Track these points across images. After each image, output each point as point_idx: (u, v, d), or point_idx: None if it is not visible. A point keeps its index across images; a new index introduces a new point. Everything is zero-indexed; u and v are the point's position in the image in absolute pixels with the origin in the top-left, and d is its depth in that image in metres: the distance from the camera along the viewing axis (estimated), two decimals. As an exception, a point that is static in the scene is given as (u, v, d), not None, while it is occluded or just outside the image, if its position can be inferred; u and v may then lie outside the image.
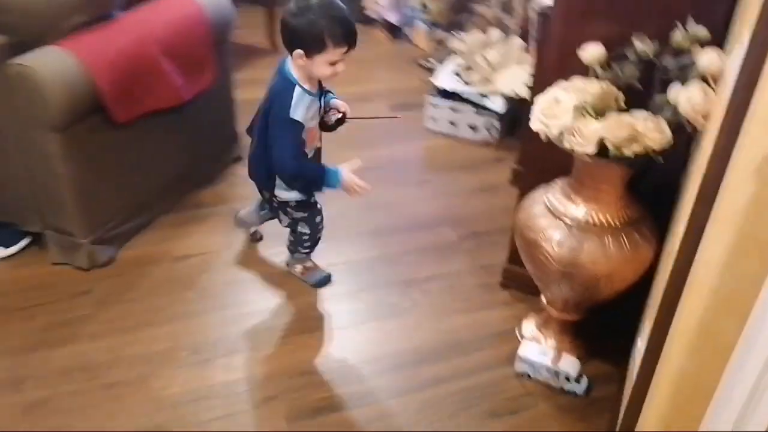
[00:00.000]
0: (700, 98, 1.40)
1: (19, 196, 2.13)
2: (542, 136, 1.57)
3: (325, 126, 1.94)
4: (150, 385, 1.78)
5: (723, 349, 1.18)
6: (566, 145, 1.52)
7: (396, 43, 4.02)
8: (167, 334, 1.94)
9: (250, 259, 2.25)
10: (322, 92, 1.88)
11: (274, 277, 2.17)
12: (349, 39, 1.71)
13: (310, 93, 1.80)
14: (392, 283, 2.17)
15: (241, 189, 2.60)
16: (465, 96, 2.95)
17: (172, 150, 2.41)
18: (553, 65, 1.73)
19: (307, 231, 2.03)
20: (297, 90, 1.77)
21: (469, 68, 3.05)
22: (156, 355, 1.87)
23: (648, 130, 1.46)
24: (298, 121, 1.77)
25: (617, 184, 1.61)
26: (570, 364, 1.80)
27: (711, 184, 1.08)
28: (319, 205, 2.04)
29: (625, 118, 1.49)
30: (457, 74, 3.05)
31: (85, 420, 1.68)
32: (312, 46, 1.69)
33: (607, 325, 1.87)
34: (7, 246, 2.21)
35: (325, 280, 2.13)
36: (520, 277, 2.08)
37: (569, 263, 1.64)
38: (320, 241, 2.10)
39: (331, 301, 2.10)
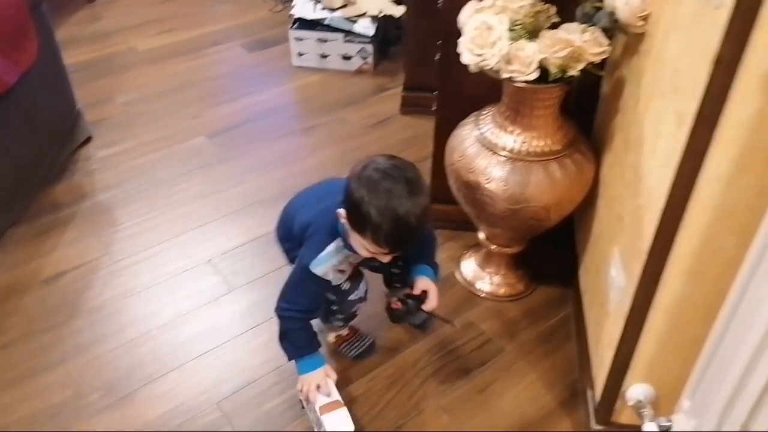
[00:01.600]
0: (638, 0, 1.27)
1: None
2: (472, 69, 1.37)
3: (392, 314, 1.51)
4: (64, 446, 1.47)
5: (724, 269, 1.10)
6: (504, 75, 1.34)
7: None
8: (65, 377, 1.60)
9: (139, 261, 1.91)
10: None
11: (174, 278, 1.85)
12: (390, 244, 1.24)
13: (350, 249, 1.35)
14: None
15: (101, 176, 2.22)
16: (330, 24, 2.67)
17: (7, 146, 1.95)
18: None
19: (334, 298, 1.52)
20: (334, 245, 1.36)
21: (328, -8, 2.74)
22: (61, 408, 1.54)
23: (588, 45, 1.32)
24: (316, 276, 1.37)
25: (554, 105, 1.47)
26: (336, 422, 1.40)
27: (714, 100, 0.95)
28: (346, 288, 1.50)
29: (560, 34, 1.33)
30: (316, 0, 2.74)
31: None
32: (354, 219, 1.26)
33: (543, 248, 1.79)
34: None
35: (367, 351, 1.66)
36: (446, 215, 1.94)
37: (517, 200, 1.50)
38: (356, 314, 1.61)
39: (241, 291, 1.83)
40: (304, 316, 1.41)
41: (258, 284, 1.84)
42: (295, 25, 2.71)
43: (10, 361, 1.64)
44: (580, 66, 1.32)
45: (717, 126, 0.97)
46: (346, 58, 2.71)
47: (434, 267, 1.51)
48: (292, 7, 2.77)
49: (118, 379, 1.59)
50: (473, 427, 1.50)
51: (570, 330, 1.72)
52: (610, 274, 1.38)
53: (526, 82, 1.34)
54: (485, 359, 1.65)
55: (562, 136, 1.52)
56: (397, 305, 1.45)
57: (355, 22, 2.66)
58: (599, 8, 1.36)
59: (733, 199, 1.03)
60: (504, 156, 1.50)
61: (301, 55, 2.75)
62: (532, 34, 1.34)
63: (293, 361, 1.46)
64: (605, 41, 1.33)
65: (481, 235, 1.77)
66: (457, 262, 1.89)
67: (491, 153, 1.51)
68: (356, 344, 1.66)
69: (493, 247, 1.76)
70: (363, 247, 1.28)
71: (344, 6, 2.70)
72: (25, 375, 1.60)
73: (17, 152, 2.00)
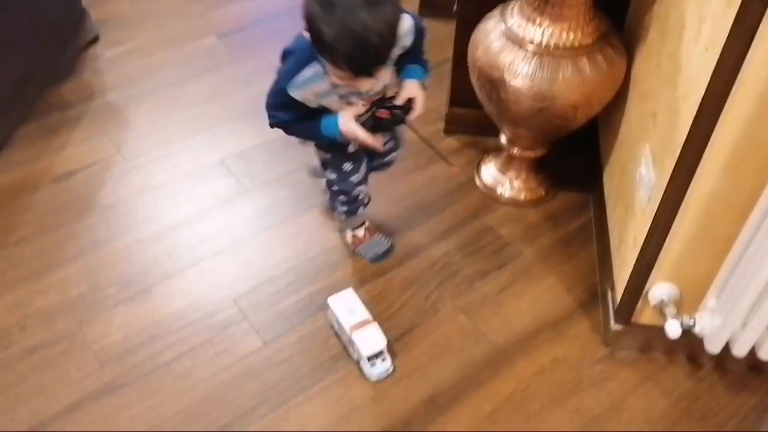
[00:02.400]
0: None
1: None
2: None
3: (379, 123, 1.29)
4: (81, 338, 1.47)
5: (765, 163, 1.06)
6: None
7: None
8: (81, 272, 1.60)
9: (152, 160, 1.87)
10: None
11: (187, 179, 1.82)
12: (351, 66, 1.11)
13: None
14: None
15: (110, 75, 2.15)
16: None
17: (10, 44, 1.88)
18: None
19: (334, 178, 1.48)
20: (312, 70, 1.21)
21: None
22: (77, 301, 1.54)
23: None
24: (289, 98, 1.24)
25: (585, -7, 1.38)
26: (369, 339, 1.39)
27: None
28: (349, 171, 1.46)
29: None
30: None
31: (15, 400, 1.36)
32: (312, 40, 1.13)
33: (564, 151, 1.74)
34: None
35: (385, 254, 1.62)
36: (465, 119, 1.89)
37: (544, 97, 1.44)
38: (362, 203, 1.57)
39: (255, 193, 1.80)
40: (291, 124, 1.31)
41: (272, 186, 1.81)
42: None
43: (24, 256, 1.63)
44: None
45: (772, 2, 0.90)
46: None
47: (423, 64, 1.33)
48: None
49: (135, 274, 1.59)
50: (490, 327, 1.50)
51: (591, 234, 1.69)
52: (640, 173, 1.34)
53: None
54: (503, 262, 1.64)
55: (593, 29, 1.44)
56: (383, 113, 1.28)
57: None
58: None
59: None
60: (531, 50, 1.43)
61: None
62: None
63: (322, 132, 1.29)
64: None
65: (503, 138, 1.72)
66: (476, 167, 1.84)
67: (517, 47, 1.44)
68: (374, 246, 1.63)
69: (515, 150, 1.71)
70: (331, 72, 1.17)
71: None
72: (40, 269, 1.60)
73: (21, 48, 1.93)
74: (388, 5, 1.08)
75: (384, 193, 1.77)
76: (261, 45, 2.26)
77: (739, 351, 1.23)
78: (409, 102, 1.29)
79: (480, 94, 1.57)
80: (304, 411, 1.36)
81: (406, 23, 1.21)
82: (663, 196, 1.19)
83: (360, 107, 1.27)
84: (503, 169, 1.79)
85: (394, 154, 1.57)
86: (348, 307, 1.43)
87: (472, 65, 1.55)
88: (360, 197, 1.55)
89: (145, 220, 1.72)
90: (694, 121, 1.06)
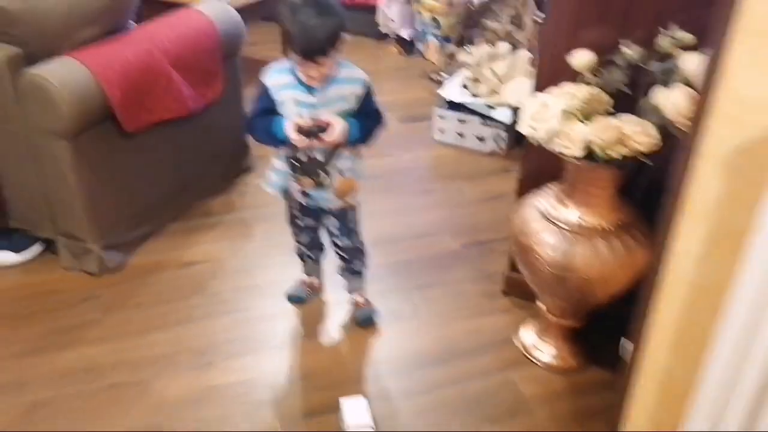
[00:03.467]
0: (684, 101, 1.42)
1: (31, 202, 2.21)
2: (532, 140, 1.58)
3: (299, 129, 1.67)
4: (151, 386, 1.82)
5: (702, 343, 1.18)
6: (554, 148, 1.54)
7: (409, 58, 4.07)
8: (171, 338, 1.98)
9: (258, 267, 2.29)
10: (312, 90, 1.69)
11: (283, 284, 2.19)
12: (306, 51, 1.58)
13: (296, 75, 1.68)
14: (394, 289, 2.19)
15: (251, 198, 2.66)
16: (472, 107, 2.98)
17: (181, 159, 2.47)
18: (547, 72, 1.75)
19: (292, 211, 1.96)
20: (286, 64, 1.70)
21: (476, 80, 3.08)
22: (159, 358, 1.91)
23: (635, 133, 1.48)
24: (263, 85, 1.73)
25: (608, 187, 1.62)
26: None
27: (679, 177, 1.09)
28: (297, 215, 1.94)
29: (612, 121, 1.50)
30: (465, 86, 3.08)
31: (86, 421, 1.72)
32: (283, 35, 1.66)
33: (606, 331, 1.87)
34: (18, 251, 2.27)
35: (292, 298, 2.12)
36: (521, 284, 2.08)
37: (563, 267, 1.65)
38: (304, 256, 2.07)
39: (336, 307, 2.12)
40: (257, 118, 1.75)
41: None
42: (442, 105, 3.06)
43: (137, 316, 2.06)
44: (624, 150, 1.48)
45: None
46: (480, 139, 2.99)
47: (361, 127, 1.73)
48: (443, 88, 3.13)
49: (208, 348, 1.95)
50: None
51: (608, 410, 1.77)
52: (625, 347, 1.47)
53: (575, 157, 1.52)
54: (514, 414, 1.76)
55: (616, 217, 1.65)
56: (306, 123, 1.66)
57: (494, 108, 2.95)
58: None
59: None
60: (556, 225, 1.67)
61: (441, 131, 3.08)
62: (588, 118, 1.53)
63: (273, 128, 1.71)
64: (654, 133, 1.48)
65: (542, 305, 1.91)
66: (516, 327, 2.03)
67: (546, 220, 1.69)
68: (296, 289, 2.12)
69: (551, 317, 1.89)
70: (293, 59, 1.63)
71: (489, 94, 3.01)
72: (144, 329, 2.01)
73: (189, 164, 2.51)
74: (334, 18, 1.58)
75: (427, 330, 2.01)
76: (377, 192, 2.68)
77: None
78: (328, 126, 1.67)
79: (516, 257, 1.81)
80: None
81: (362, 74, 1.75)
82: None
83: (300, 119, 1.67)
84: (540, 334, 1.96)
85: (347, 242, 1.97)
86: (356, 411, 1.65)
87: (511, 230, 1.81)
88: (303, 252, 2.06)
89: (233, 310, 2.09)
90: (638, 309, 1.24)
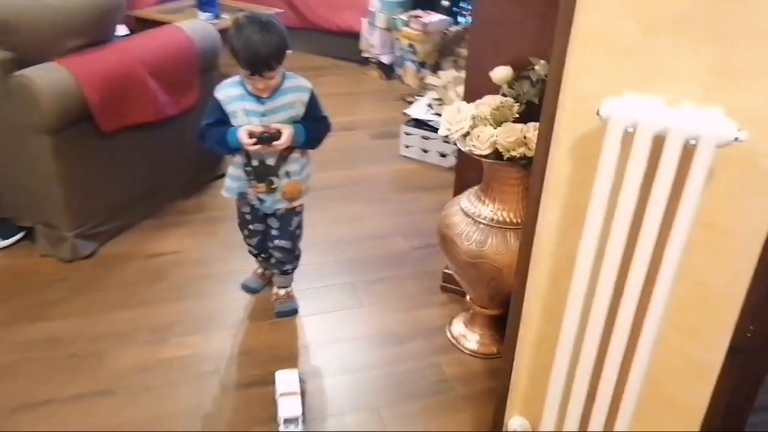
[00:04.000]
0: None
1: (15, 193, 2.42)
2: (450, 141, 1.79)
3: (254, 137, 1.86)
4: (106, 357, 2.00)
5: (564, 306, 1.36)
6: (466, 148, 1.74)
7: (388, 82, 4.31)
8: (130, 317, 2.17)
9: (218, 259, 2.48)
10: (261, 99, 1.88)
11: (239, 275, 2.37)
12: (252, 67, 1.77)
13: (245, 87, 1.88)
14: (342, 283, 2.38)
15: (221, 201, 2.82)
16: (434, 125, 3.19)
17: (157, 161, 2.69)
18: (474, 86, 1.96)
19: (242, 217, 2.18)
20: (235, 78, 1.90)
21: (441, 101, 3.29)
22: (117, 334, 2.09)
23: (535, 136, 1.67)
24: (215, 99, 1.91)
25: (518, 185, 1.81)
26: (290, 406, 1.77)
27: (540, 161, 1.29)
28: (248, 219, 2.14)
29: (517, 126, 1.70)
30: (430, 106, 3.30)
31: (43, 384, 1.89)
32: (231, 54, 1.83)
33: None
34: (4, 238, 2.48)
35: (245, 288, 2.31)
36: (457, 282, 2.27)
37: (476, 255, 1.83)
38: (257, 256, 2.29)
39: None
40: (209, 128, 1.93)
41: (306, 293, 2.30)
42: (409, 123, 3.27)
43: (102, 298, 2.25)
44: (525, 151, 1.67)
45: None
46: (443, 155, 3.20)
47: (307, 130, 1.93)
48: (411, 108, 3.35)
49: (163, 327, 2.13)
50: (396, 432, 1.78)
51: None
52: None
53: (483, 156, 1.72)
54: (436, 392, 1.93)
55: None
56: (257, 130, 1.85)
57: (454, 127, 3.16)
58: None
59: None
60: (473, 219, 1.86)
61: (407, 147, 3.29)
62: (498, 123, 1.73)
63: (227, 138, 1.89)
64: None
65: (468, 297, 2.09)
66: (449, 321, 2.20)
67: (465, 216, 1.88)
68: (250, 281, 2.31)
69: (476, 307, 2.06)
70: (242, 74, 1.82)
71: (451, 114, 3.22)
72: (106, 308, 2.20)
73: (165, 166, 2.72)
74: (276, 36, 1.78)
75: (368, 319, 2.19)
76: (339, 201, 2.88)
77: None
78: (279, 132, 1.86)
79: (442, 248, 2.00)
80: None
81: (306, 83, 1.95)
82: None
83: (252, 126, 1.87)
84: (467, 323, 2.13)
85: (286, 243, 2.14)
86: (287, 380, 1.82)
87: (438, 226, 2.00)
88: (255, 252, 2.27)
89: (191, 295, 2.28)
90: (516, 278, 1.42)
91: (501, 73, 1.82)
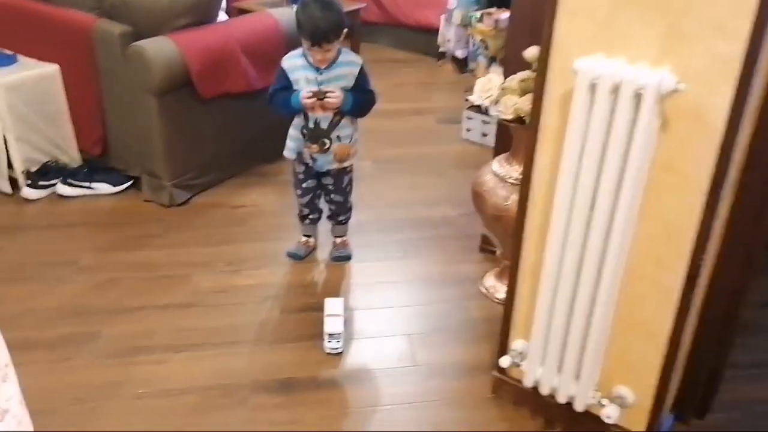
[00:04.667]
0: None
1: (126, 147, 2.90)
2: (482, 107, 2.08)
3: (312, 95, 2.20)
4: (190, 279, 2.42)
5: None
6: (493, 113, 2.03)
7: (462, 75, 4.59)
8: (211, 252, 2.59)
9: (289, 213, 2.86)
10: (319, 70, 2.21)
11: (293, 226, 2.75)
12: (312, 38, 2.11)
13: (306, 59, 2.22)
14: (392, 240, 2.70)
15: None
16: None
17: (245, 127, 3.11)
18: (512, 64, 2.23)
19: (293, 182, 2.51)
20: (298, 51, 2.25)
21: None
22: (199, 263, 2.51)
23: (554, 104, 1.94)
24: (281, 67, 2.27)
25: (540, 149, 2.07)
26: (334, 324, 2.10)
27: (534, 115, 1.57)
28: (301, 178, 2.44)
29: (538, 95, 1.97)
30: (492, 94, 3.56)
31: (136, 295, 2.33)
32: (297, 28, 2.16)
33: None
34: (115, 185, 2.97)
35: (293, 256, 2.56)
36: (493, 243, 2.55)
37: (500, 208, 2.11)
38: (305, 218, 2.55)
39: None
40: (276, 92, 2.29)
41: (361, 243, 2.65)
42: (470, 109, 3.56)
43: (191, 235, 2.69)
44: (543, 116, 1.94)
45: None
46: (499, 138, 3.46)
47: (354, 98, 2.24)
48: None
49: (239, 260, 2.53)
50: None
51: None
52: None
53: (507, 120, 2.00)
54: (460, 328, 2.22)
55: (548, 176, 2.10)
56: (315, 90, 2.20)
57: (512, 113, 3.42)
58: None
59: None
60: (500, 178, 2.14)
61: (468, 130, 3.58)
62: (524, 93, 2.01)
63: (291, 100, 2.24)
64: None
65: (498, 252, 2.36)
66: (483, 274, 2.48)
67: (494, 176, 2.16)
68: (298, 249, 2.57)
69: (505, 261, 2.33)
70: (304, 45, 2.15)
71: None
72: (194, 243, 2.64)
73: (252, 132, 3.14)
74: (335, 14, 2.11)
75: (411, 269, 2.51)
76: (395, 173, 3.21)
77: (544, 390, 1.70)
78: (331, 93, 2.19)
79: (474, 204, 2.28)
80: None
81: (358, 58, 2.29)
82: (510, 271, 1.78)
83: (311, 88, 2.21)
84: (498, 277, 2.40)
85: (340, 198, 2.47)
86: (334, 305, 2.17)
87: (471, 185, 2.28)
88: (304, 213, 2.53)
89: (265, 238, 2.68)
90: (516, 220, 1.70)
91: (531, 52, 2.08)
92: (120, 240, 2.64)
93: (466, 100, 3.66)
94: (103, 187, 2.95)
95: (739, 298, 1.69)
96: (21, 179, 2.88)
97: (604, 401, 1.64)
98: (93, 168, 2.97)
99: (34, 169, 2.90)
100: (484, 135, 3.53)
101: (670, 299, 1.53)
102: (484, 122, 3.51)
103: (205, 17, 2.92)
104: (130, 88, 2.74)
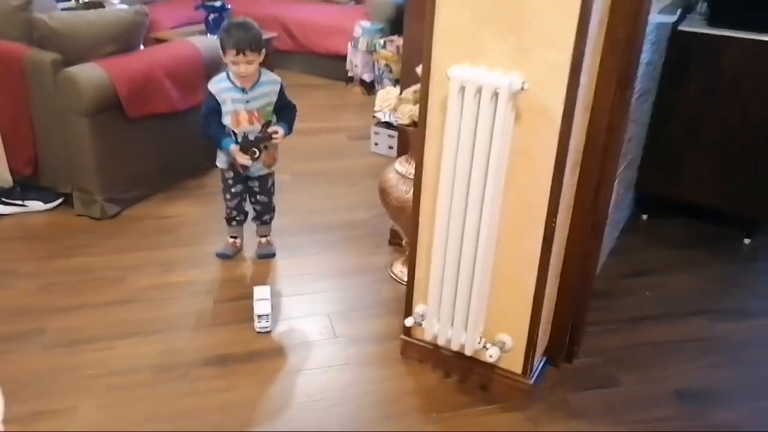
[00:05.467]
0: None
1: (58, 165, 3.10)
2: (380, 117, 2.45)
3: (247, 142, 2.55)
4: (126, 280, 2.65)
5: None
6: (393, 120, 2.41)
7: (369, 97, 5.00)
8: (144, 256, 2.82)
9: (213, 220, 3.13)
10: (244, 90, 2.52)
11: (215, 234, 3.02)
12: (237, 45, 2.41)
13: (231, 81, 2.52)
14: (309, 239, 3.02)
15: (219, 179, 3.52)
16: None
17: (171, 145, 3.36)
18: (407, 78, 2.63)
19: (222, 189, 2.80)
20: (222, 75, 2.56)
21: (405, 107, 3.97)
22: (134, 266, 2.74)
23: (441, 110, 2.33)
24: (209, 91, 2.55)
25: (433, 150, 2.47)
26: (263, 306, 2.39)
27: (422, 117, 1.95)
28: (231, 183, 2.72)
29: (429, 103, 2.37)
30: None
31: (76, 296, 2.54)
32: (222, 48, 2.50)
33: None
34: (47, 202, 3.15)
35: (221, 256, 2.83)
36: (401, 236, 2.91)
37: (402, 200, 2.48)
38: (232, 220, 2.83)
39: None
40: (208, 115, 2.57)
41: (281, 245, 2.94)
42: (377, 124, 3.95)
43: (121, 244, 2.91)
44: (433, 121, 2.33)
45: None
46: (404, 150, 3.86)
47: (287, 123, 2.61)
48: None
49: (170, 262, 2.77)
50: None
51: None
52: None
53: (403, 125, 2.38)
54: (372, 306, 2.56)
55: (440, 172, 2.49)
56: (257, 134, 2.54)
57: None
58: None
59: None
60: (401, 175, 2.51)
61: (376, 144, 3.96)
62: (416, 103, 2.40)
63: (222, 143, 2.58)
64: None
65: (404, 242, 2.73)
66: (391, 263, 2.84)
67: (396, 173, 2.54)
68: (225, 249, 2.85)
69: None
70: (229, 62, 2.47)
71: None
72: (124, 250, 2.86)
73: (177, 150, 3.40)
74: (254, 31, 2.47)
75: (325, 261, 2.83)
76: (312, 186, 3.54)
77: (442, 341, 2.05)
78: (275, 132, 2.55)
79: (380, 200, 2.64)
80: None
81: (277, 77, 2.62)
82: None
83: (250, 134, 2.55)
84: (405, 263, 2.76)
85: (265, 199, 2.78)
86: (261, 291, 2.46)
87: (378, 183, 2.65)
88: (232, 215, 2.80)
89: (190, 243, 2.93)
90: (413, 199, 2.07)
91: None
92: (56, 250, 2.84)
93: (374, 116, 4.08)
94: (35, 205, 3.13)
95: (589, 260, 2.12)
96: (-47, 199, 3.02)
97: (488, 345, 2.02)
98: (24, 187, 3.14)
99: (-35, 189, 3.05)
100: (390, 147, 3.92)
101: (532, 261, 1.93)
102: (390, 136, 3.90)
103: (130, 45, 3.18)
104: (60, 111, 2.96)
